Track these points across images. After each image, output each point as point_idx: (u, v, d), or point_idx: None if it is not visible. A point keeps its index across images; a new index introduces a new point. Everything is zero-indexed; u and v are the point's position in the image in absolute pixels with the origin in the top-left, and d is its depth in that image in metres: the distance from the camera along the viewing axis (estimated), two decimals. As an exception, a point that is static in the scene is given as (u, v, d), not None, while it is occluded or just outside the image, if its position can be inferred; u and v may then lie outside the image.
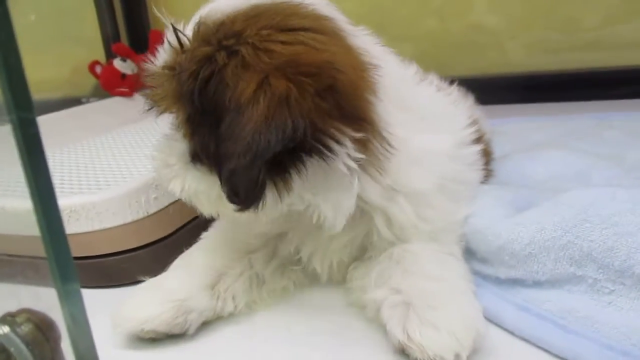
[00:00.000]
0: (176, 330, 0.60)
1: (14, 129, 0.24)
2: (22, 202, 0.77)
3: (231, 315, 0.66)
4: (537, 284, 0.60)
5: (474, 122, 0.74)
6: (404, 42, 1.74)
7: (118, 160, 1.00)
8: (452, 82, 1.15)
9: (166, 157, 0.61)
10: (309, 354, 0.58)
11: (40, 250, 0.35)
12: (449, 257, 0.62)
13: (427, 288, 0.57)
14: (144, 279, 0.77)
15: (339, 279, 0.68)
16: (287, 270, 0.70)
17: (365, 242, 0.65)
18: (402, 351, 0.54)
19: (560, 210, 0.60)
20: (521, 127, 1.30)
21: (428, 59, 1.75)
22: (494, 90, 1.69)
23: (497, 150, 1.09)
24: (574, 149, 1.04)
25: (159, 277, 0.66)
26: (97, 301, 0.74)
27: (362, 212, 0.61)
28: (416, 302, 0.55)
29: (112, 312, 0.61)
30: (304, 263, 0.67)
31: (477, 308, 0.56)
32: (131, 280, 0.78)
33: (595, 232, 0.57)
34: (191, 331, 0.62)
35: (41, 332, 0.31)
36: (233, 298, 0.65)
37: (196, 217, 0.83)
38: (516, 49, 1.72)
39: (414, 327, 0.52)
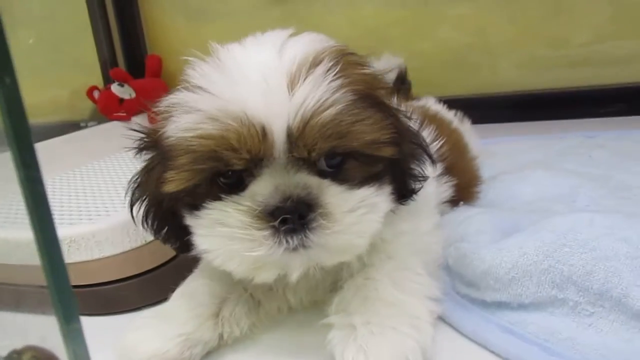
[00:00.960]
0: None
1: (22, 186, 0.27)
2: (23, 234, 0.79)
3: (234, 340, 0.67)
4: (521, 306, 0.63)
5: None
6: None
7: (117, 186, 1.02)
8: (444, 102, 1.19)
9: None
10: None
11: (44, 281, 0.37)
12: (411, 281, 0.63)
13: (380, 312, 0.58)
14: (143, 307, 0.80)
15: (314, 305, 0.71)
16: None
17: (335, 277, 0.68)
18: None
19: (541, 235, 0.62)
20: (511, 147, 1.33)
21: (420, 78, 1.79)
22: (484, 109, 1.72)
23: (488, 171, 1.12)
24: (562, 170, 1.06)
25: (163, 307, 0.68)
26: (96, 329, 0.76)
27: None
28: (360, 327, 0.56)
29: (117, 344, 0.62)
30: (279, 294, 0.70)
31: (425, 334, 0.57)
32: (130, 307, 0.80)
33: (575, 256, 0.59)
34: None
35: (45, 367, 0.34)
36: (237, 323, 0.67)
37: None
38: (506, 68, 1.75)
39: (349, 352, 0.54)
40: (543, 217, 0.70)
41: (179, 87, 0.58)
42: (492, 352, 0.60)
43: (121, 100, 1.80)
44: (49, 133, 1.72)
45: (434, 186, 0.74)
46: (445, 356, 0.61)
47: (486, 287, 0.64)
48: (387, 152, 0.58)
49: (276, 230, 0.53)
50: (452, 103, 1.22)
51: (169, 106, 0.57)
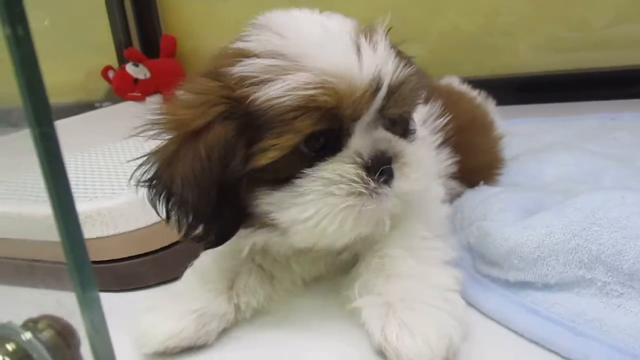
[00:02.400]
0: (199, 343, 0.61)
1: (36, 144, 0.26)
2: (41, 208, 0.79)
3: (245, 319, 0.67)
4: (546, 286, 0.61)
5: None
6: (415, 43, 1.74)
7: (132, 165, 1.02)
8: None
9: None
10: (301, 354, 0.60)
11: (60, 255, 0.36)
12: (424, 249, 0.63)
13: (408, 287, 0.58)
14: (158, 284, 0.79)
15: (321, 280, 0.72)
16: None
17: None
18: (381, 352, 0.55)
19: (569, 213, 0.60)
20: (530, 128, 1.30)
21: (439, 59, 1.76)
22: (502, 90, 1.69)
23: (509, 152, 1.10)
24: (585, 150, 1.04)
25: (174, 285, 0.67)
26: (112, 304, 0.76)
27: None
28: (396, 303, 0.56)
29: (133, 330, 0.61)
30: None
31: (458, 307, 0.58)
32: (145, 284, 0.80)
33: (604, 235, 0.57)
34: (211, 341, 0.62)
35: (62, 338, 0.33)
36: (253, 293, 0.66)
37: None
38: (527, 49, 1.71)
39: (391, 330, 0.54)
40: (569, 197, 0.68)
41: (243, 56, 0.55)
42: (515, 332, 0.59)
43: (136, 80, 1.80)
44: (64, 113, 1.72)
45: (431, 155, 0.74)
46: (474, 335, 0.59)
47: (510, 267, 0.63)
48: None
49: (377, 183, 0.56)
50: (471, 84, 1.20)
51: (256, 72, 0.53)
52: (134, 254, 0.80)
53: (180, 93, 0.58)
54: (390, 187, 0.56)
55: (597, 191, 0.63)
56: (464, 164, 0.82)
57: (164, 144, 0.58)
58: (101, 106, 1.90)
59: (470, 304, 0.64)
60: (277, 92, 0.52)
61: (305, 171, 0.55)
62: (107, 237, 0.78)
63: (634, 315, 0.54)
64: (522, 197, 0.72)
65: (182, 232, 0.58)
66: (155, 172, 0.58)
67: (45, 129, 0.26)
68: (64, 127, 1.14)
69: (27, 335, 0.31)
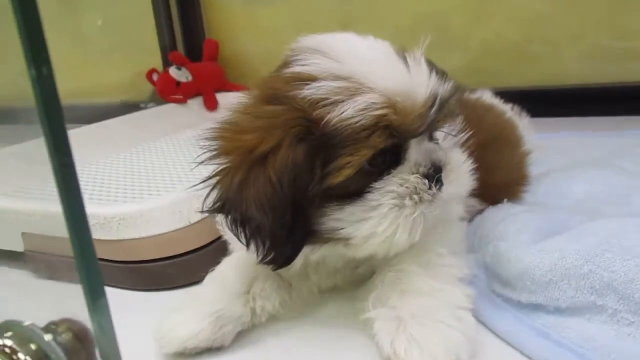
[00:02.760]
0: (216, 344, 0.65)
1: (55, 175, 0.29)
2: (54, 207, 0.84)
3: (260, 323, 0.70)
4: (558, 310, 0.61)
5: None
6: (456, 51, 1.74)
7: (169, 167, 1.07)
8: (501, 93, 1.15)
9: None
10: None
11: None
12: (440, 266, 0.65)
13: (421, 303, 0.59)
14: (187, 285, 0.83)
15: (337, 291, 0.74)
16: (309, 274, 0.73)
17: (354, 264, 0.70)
18: None
19: (583, 238, 0.60)
20: (566, 143, 1.28)
21: (480, 68, 1.75)
22: (545, 102, 1.67)
23: (539, 168, 1.09)
24: (617, 168, 1.02)
25: (194, 289, 0.71)
26: (143, 303, 0.81)
27: None
28: (407, 318, 0.58)
29: (155, 332, 0.65)
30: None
31: (468, 325, 0.59)
32: (175, 284, 0.84)
33: (617, 262, 0.57)
34: (227, 343, 0.66)
35: (78, 340, 0.36)
36: (268, 298, 0.69)
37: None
38: (570, 59, 1.68)
39: (400, 343, 0.56)
40: (590, 219, 0.67)
41: (306, 80, 0.58)
42: (524, 354, 0.59)
43: (178, 83, 1.86)
44: (110, 113, 1.80)
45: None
46: (484, 354, 0.60)
47: (522, 288, 0.63)
48: None
49: (435, 189, 0.61)
50: (509, 94, 1.19)
51: (325, 94, 0.56)
52: (165, 256, 0.84)
53: (237, 117, 0.62)
54: (442, 192, 0.61)
55: (614, 217, 0.62)
56: (486, 180, 0.81)
57: (226, 169, 0.59)
58: (146, 107, 1.98)
59: (482, 322, 0.65)
60: (349, 112, 0.55)
61: (374, 185, 0.59)
62: (139, 238, 0.83)
63: (644, 345, 0.54)
64: (543, 219, 0.72)
65: (260, 257, 0.60)
66: (227, 199, 0.59)
67: (63, 158, 0.28)
68: (108, 127, 1.23)
69: (48, 337, 0.35)
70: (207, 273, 0.73)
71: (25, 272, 0.94)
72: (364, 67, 0.57)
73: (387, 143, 0.57)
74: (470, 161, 0.78)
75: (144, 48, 2.17)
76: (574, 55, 1.67)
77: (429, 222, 0.60)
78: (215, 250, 0.86)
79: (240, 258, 0.73)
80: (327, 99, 0.56)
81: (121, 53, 2.26)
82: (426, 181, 0.60)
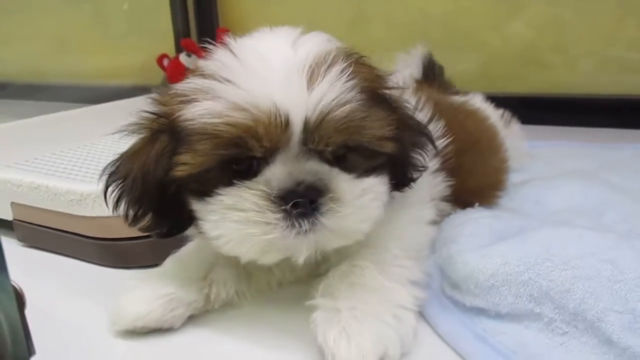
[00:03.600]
0: (166, 326, 0.66)
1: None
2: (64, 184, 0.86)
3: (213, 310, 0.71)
4: (498, 315, 0.61)
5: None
6: (465, 54, 1.73)
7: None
8: (506, 100, 1.14)
9: None
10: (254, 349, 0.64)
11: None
12: (394, 266, 0.64)
13: (365, 298, 0.60)
14: (154, 265, 0.85)
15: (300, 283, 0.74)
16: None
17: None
18: None
19: (526, 246, 0.60)
20: (560, 152, 1.28)
21: (489, 73, 1.74)
22: (549, 110, 1.65)
23: (523, 175, 1.09)
24: (600, 181, 1.01)
25: (153, 270, 0.72)
26: (112, 279, 0.83)
27: None
28: (345, 310, 0.58)
29: (109, 308, 0.67)
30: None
31: (407, 326, 0.59)
32: (143, 263, 0.86)
33: (555, 272, 0.57)
34: (177, 325, 0.67)
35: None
36: (224, 285, 0.71)
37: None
38: (577, 70, 1.66)
39: (331, 334, 0.56)
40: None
41: (195, 73, 0.60)
42: (459, 355, 0.60)
43: (187, 69, 1.88)
44: (122, 95, 1.83)
45: (427, 180, 0.74)
46: (420, 352, 0.61)
47: (467, 291, 0.63)
48: (389, 147, 0.61)
49: (288, 214, 0.55)
50: (513, 100, 1.18)
51: (189, 90, 0.58)
52: (135, 235, 0.86)
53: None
54: (310, 220, 0.56)
55: (558, 227, 0.62)
56: (462, 185, 0.82)
57: (136, 141, 0.65)
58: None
59: (427, 322, 0.66)
60: (193, 114, 0.56)
61: (220, 190, 0.58)
62: (113, 217, 0.85)
63: (573, 355, 0.54)
64: (498, 224, 0.73)
65: (129, 221, 0.65)
66: (118, 165, 0.66)
67: None
68: (107, 109, 1.26)
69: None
70: None
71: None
72: (230, 74, 0.57)
73: (222, 152, 0.56)
74: (434, 177, 0.78)
75: (159, 33, 2.21)
76: (583, 65, 1.66)
77: (281, 247, 0.57)
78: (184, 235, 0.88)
79: (202, 244, 0.74)
80: (186, 95, 0.58)
81: (137, 37, 2.30)
82: (266, 202, 0.56)
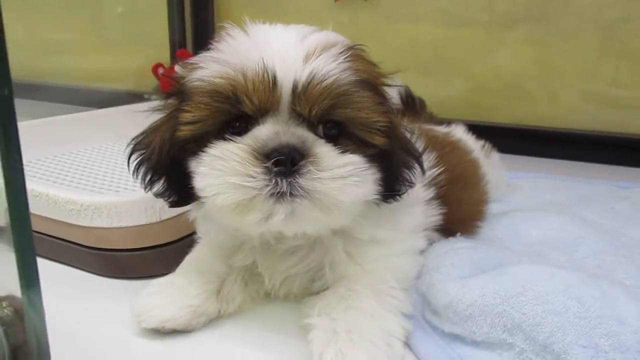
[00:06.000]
0: (189, 329, 0.73)
1: (4, 176, 0.34)
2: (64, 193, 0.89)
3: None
4: (474, 343, 0.66)
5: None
6: (452, 81, 1.79)
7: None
8: (490, 128, 1.19)
9: None
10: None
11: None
12: (389, 296, 0.69)
13: (360, 322, 0.64)
14: (151, 277, 0.89)
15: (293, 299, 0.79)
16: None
17: (315, 272, 0.75)
18: None
19: (502, 280, 0.66)
20: (538, 184, 1.33)
21: (471, 101, 1.79)
22: (530, 141, 1.72)
23: (502, 206, 1.14)
24: (577, 216, 1.06)
25: (174, 277, 0.78)
26: (110, 289, 0.86)
27: (319, 242, 0.72)
28: (342, 332, 0.63)
29: (134, 306, 0.73)
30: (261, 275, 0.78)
31: (397, 353, 0.63)
32: (140, 275, 0.90)
33: (528, 306, 0.62)
34: (197, 329, 0.74)
35: (18, 315, 0.42)
36: (234, 300, 0.77)
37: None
38: (561, 104, 1.73)
39: (328, 354, 0.61)
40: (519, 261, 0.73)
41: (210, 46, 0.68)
42: (436, 378, 0.64)
43: (182, 80, 1.91)
44: (115, 100, 1.85)
45: (421, 209, 0.80)
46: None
47: (446, 319, 0.68)
48: (379, 140, 0.66)
49: (269, 171, 0.60)
50: (496, 131, 1.22)
51: (199, 59, 0.67)
52: (133, 247, 0.90)
53: None
54: (288, 181, 0.59)
55: (533, 264, 0.68)
56: (448, 215, 0.87)
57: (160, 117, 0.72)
58: (150, 99, 2.04)
59: (408, 345, 0.70)
60: (197, 76, 0.64)
61: (211, 145, 0.64)
62: (111, 228, 0.89)
63: (541, 385, 0.59)
64: (483, 255, 0.78)
65: (145, 185, 0.72)
66: (142, 137, 0.73)
67: (12, 157, 0.33)
68: (102, 116, 1.29)
69: (-10, 312, 0.40)
70: (169, 268, 0.81)
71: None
72: (242, 44, 0.64)
73: (224, 106, 0.62)
74: (429, 207, 0.83)
75: (155, 41, 2.23)
76: (567, 100, 1.72)
77: (262, 203, 0.60)
78: (178, 249, 0.91)
79: (214, 251, 0.80)
80: (195, 63, 0.66)
81: (133, 43, 2.32)
82: (251, 156, 0.60)
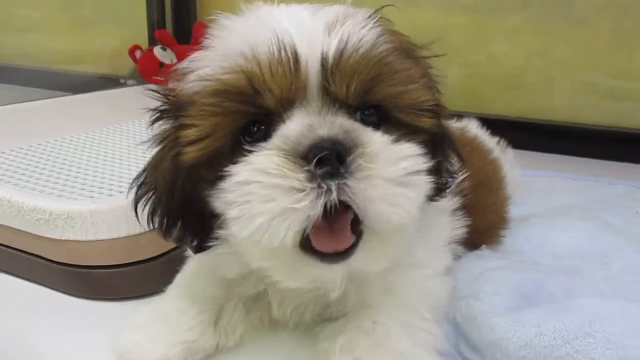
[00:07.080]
0: None
1: None
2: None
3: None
4: (526, 389, 0.56)
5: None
6: (451, 68, 1.70)
7: (131, 159, 0.99)
8: (491, 120, 1.10)
9: None
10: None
11: None
12: (421, 330, 0.59)
13: None
14: (131, 298, 0.77)
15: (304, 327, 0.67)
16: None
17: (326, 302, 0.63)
18: None
19: (564, 316, 0.55)
20: (551, 184, 1.24)
21: (468, 90, 1.70)
22: (534, 134, 1.63)
23: (520, 210, 1.04)
24: (601, 223, 0.97)
25: (163, 306, 0.66)
26: (81, 311, 0.74)
27: None
28: None
29: (117, 342, 0.62)
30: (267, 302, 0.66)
31: None
32: (118, 296, 0.77)
33: (598, 350, 0.52)
34: None
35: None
36: (233, 332, 0.66)
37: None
38: (563, 96, 1.65)
39: None
40: (570, 282, 0.63)
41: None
42: None
43: (161, 64, 1.77)
44: (89, 84, 1.71)
45: (447, 220, 0.69)
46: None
47: (491, 359, 0.58)
48: (427, 122, 0.54)
49: (312, 175, 0.45)
50: (497, 123, 1.14)
51: (187, 64, 0.53)
52: (111, 263, 0.77)
53: None
54: (337, 183, 0.45)
55: (598, 297, 0.58)
56: (473, 225, 0.76)
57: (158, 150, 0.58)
58: (126, 83, 1.89)
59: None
60: (193, 77, 0.50)
61: (237, 162, 0.49)
62: (86, 241, 0.76)
63: None
64: (521, 277, 0.68)
65: (163, 233, 0.58)
66: (145, 176, 0.59)
67: None
68: (76, 103, 1.14)
69: None
70: (153, 288, 0.71)
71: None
72: (238, 22, 0.52)
73: (238, 106, 0.48)
74: (454, 217, 0.71)
75: (132, 21, 2.08)
76: (568, 91, 1.64)
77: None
78: (166, 264, 0.79)
79: (209, 275, 0.67)
80: (184, 69, 0.53)
81: (108, 24, 2.17)
82: (289, 162, 0.46)
